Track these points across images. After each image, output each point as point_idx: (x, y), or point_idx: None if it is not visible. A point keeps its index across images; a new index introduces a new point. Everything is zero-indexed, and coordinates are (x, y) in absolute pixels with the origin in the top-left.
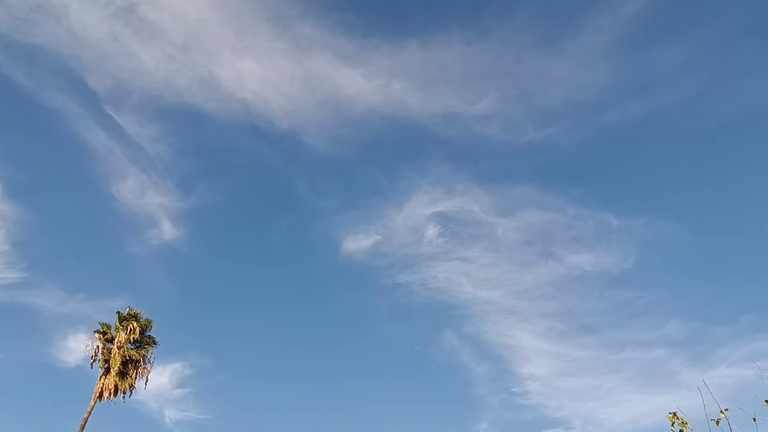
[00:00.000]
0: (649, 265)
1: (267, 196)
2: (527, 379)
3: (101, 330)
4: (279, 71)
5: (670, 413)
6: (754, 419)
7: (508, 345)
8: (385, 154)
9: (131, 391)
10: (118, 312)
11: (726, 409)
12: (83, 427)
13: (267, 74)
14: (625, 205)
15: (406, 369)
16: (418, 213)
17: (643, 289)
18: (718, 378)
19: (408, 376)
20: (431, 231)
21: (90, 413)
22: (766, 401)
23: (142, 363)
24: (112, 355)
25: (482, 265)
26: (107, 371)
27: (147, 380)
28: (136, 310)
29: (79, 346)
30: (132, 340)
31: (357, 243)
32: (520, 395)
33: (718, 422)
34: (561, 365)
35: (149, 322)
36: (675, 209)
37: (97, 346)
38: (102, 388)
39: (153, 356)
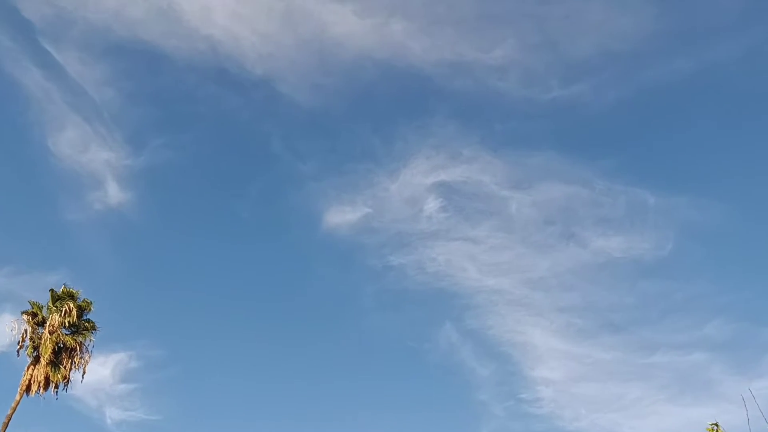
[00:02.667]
0: (690, 254)
1: (235, 156)
2: (539, 384)
3: (30, 311)
4: (253, 4)
5: (710, 424)
6: None
7: (518, 343)
8: (378, 110)
9: (65, 385)
10: (52, 290)
11: None
12: (6, 425)
13: (239, 7)
14: (664, 181)
15: (396, 368)
16: (417, 182)
17: (681, 282)
18: (766, 389)
19: (398, 377)
20: (431, 204)
21: (14, 410)
22: None
23: (78, 351)
24: (42, 341)
25: (491, 246)
26: (36, 360)
27: (84, 372)
28: (73, 288)
29: (3, 330)
30: (67, 324)
31: (342, 216)
32: (530, 403)
33: None
34: (580, 369)
35: (88, 303)
36: (724, 188)
37: (25, 330)
38: (30, 380)
39: (92, 344)
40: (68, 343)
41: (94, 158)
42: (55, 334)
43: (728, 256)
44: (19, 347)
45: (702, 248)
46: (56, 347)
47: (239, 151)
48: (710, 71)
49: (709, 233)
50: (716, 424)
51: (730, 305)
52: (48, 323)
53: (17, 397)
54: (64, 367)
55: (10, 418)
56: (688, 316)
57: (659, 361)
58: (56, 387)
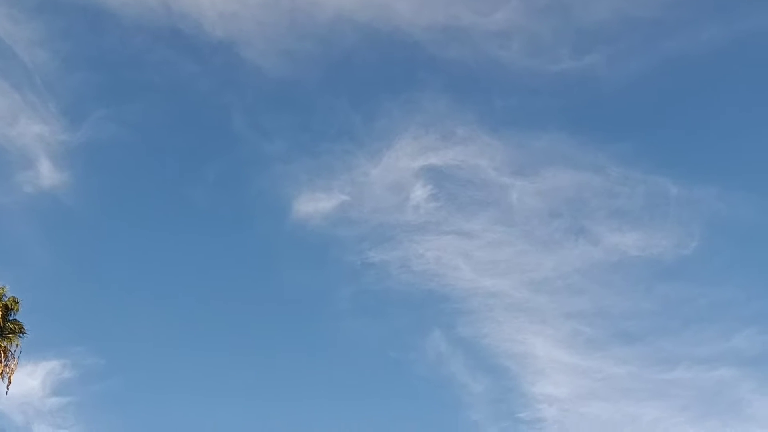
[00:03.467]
0: (718, 253)
1: (190, 133)
2: (541, 402)
3: None
4: None
5: None
6: None
7: (517, 354)
8: (358, 81)
9: None
10: None
11: None
12: None
13: None
14: (689, 168)
15: (376, 382)
16: (402, 166)
17: (706, 285)
18: None
19: (378, 392)
20: (419, 192)
21: None
22: None
23: (2, 358)
24: None
25: (487, 242)
26: None
27: (9, 382)
28: None
29: None
30: None
31: (314, 204)
32: (530, 424)
33: None
34: (588, 384)
35: (15, 301)
36: (759, 178)
37: None
38: None
39: (19, 350)
40: None
41: (23, 132)
42: None
43: (762, 257)
44: None
45: (731, 247)
46: None
47: (195, 126)
48: (745, 42)
49: (740, 230)
50: None
51: (763, 314)
52: None
53: None
54: None
55: None
56: (715, 325)
57: (680, 378)
58: None
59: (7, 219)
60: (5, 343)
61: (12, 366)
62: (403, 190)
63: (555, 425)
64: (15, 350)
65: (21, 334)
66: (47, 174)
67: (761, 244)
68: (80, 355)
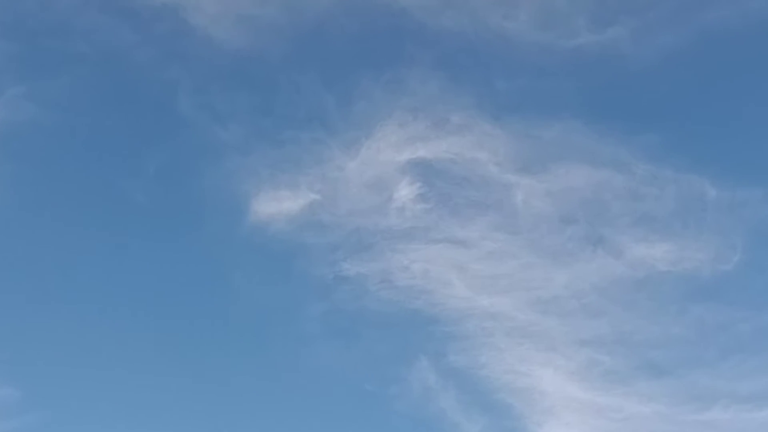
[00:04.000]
0: (765, 269)
1: (126, 115)
2: None
3: None
4: None
5: None
6: None
7: (521, 389)
8: (332, 56)
9: None
10: None
11: None
12: None
13: None
14: (731, 166)
15: (349, 420)
16: (385, 159)
17: (750, 308)
18: None
19: None
20: (405, 191)
21: None
22: None
23: None
24: None
25: (486, 253)
26: None
27: None
28: None
29: None
30: None
31: (277, 204)
32: None
33: None
34: (607, 426)
35: None
36: None
37: None
38: None
39: None
40: None
41: None
42: None
43: None
44: None
45: None
46: None
47: (133, 107)
48: None
49: None
50: None
51: None
52: None
53: None
54: None
55: None
56: (760, 356)
57: (718, 418)
58: None
59: None
60: None
61: None
62: (385, 189)
63: None
64: None
65: None
66: None
67: None
68: None
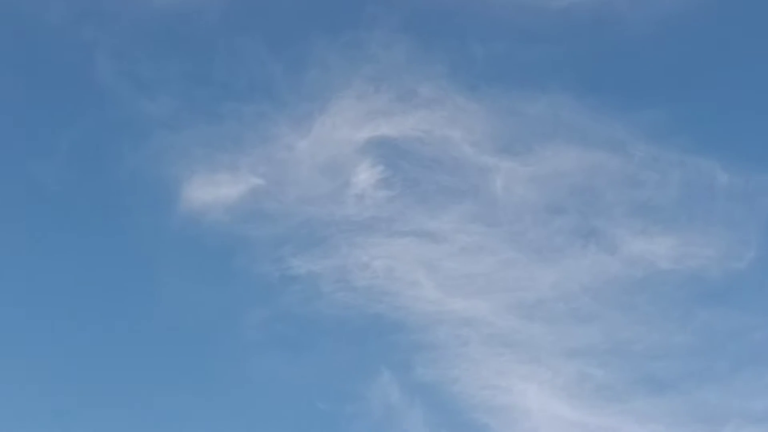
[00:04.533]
0: None
1: (35, 84)
2: None
3: None
4: None
5: None
6: None
7: (500, 406)
8: (280, 15)
9: None
10: None
11: None
12: None
13: None
14: (744, 147)
15: None
16: (341, 137)
17: (767, 313)
18: None
19: None
20: (365, 175)
21: None
22: None
23: None
24: None
25: (460, 248)
26: None
27: None
28: None
29: None
30: None
31: (214, 190)
32: None
33: None
34: None
35: None
36: None
37: None
38: None
39: None
40: None
41: None
42: None
43: None
44: None
45: None
46: None
47: (42, 76)
48: None
49: None
50: None
51: None
52: None
53: None
54: None
55: None
56: None
57: None
58: None
59: None
60: None
61: None
62: (341, 173)
63: None
64: None
65: None
66: None
67: None
68: None
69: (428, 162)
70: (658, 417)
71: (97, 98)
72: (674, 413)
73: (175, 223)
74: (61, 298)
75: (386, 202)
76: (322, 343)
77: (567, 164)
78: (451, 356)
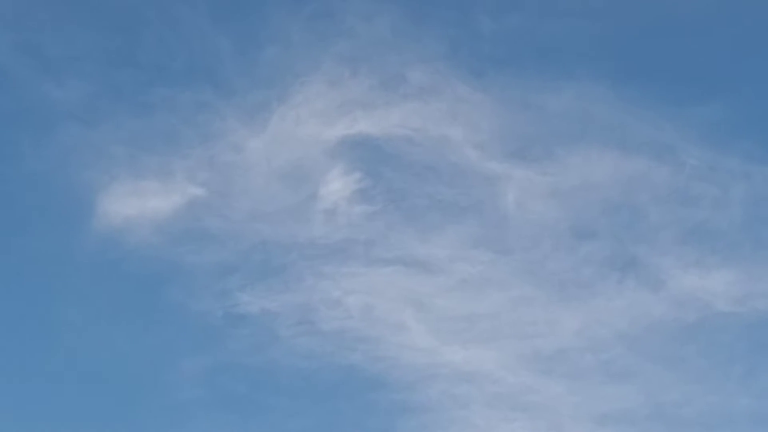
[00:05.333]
0: None
1: None
2: None
3: None
4: None
5: None
6: None
7: None
8: None
9: None
10: None
11: None
12: None
13: None
14: None
15: None
16: (306, 135)
17: None
18: None
19: None
20: (336, 185)
21: None
22: None
23: None
24: None
25: (460, 281)
26: None
27: None
28: None
29: None
30: None
31: (139, 202)
32: None
33: None
34: None
35: None
36: None
37: None
38: None
39: None
40: None
41: None
42: None
43: None
44: None
45: None
46: None
47: None
48: None
49: None
50: None
51: None
52: None
53: None
54: None
55: None
56: None
57: None
58: None
59: None
60: None
61: None
62: (306, 181)
63: None
64: None
65: None
66: None
67: None
68: None
69: (419, 169)
70: None
71: None
72: None
73: (88, 243)
74: None
75: (364, 220)
76: (279, 402)
77: (599, 174)
78: (445, 421)
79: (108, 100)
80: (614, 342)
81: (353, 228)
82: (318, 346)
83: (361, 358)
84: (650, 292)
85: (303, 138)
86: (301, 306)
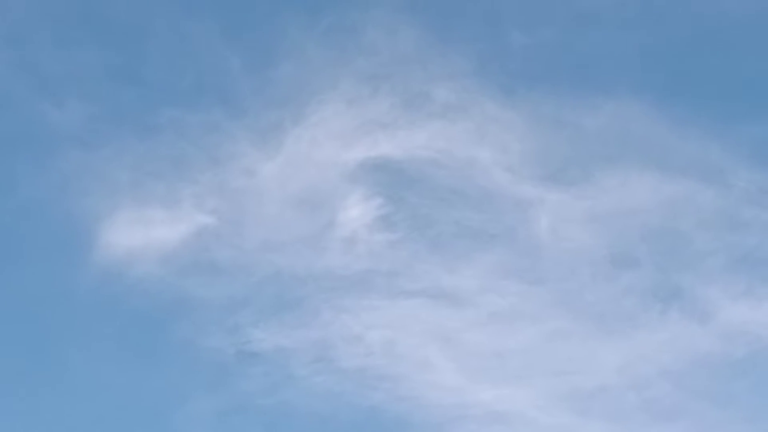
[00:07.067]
0: None
1: None
2: None
3: None
4: None
5: None
6: None
7: None
8: None
9: None
10: None
11: None
12: None
13: None
14: None
15: None
16: (323, 158)
17: None
18: None
19: None
20: (356, 212)
21: None
22: None
23: None
24: None
25: (490, 314)
26: None
27: None
28: None
29: None
30: None
31: (145, 231)
32: None
33: None
34: None
35: None
36: None
37: None
38: None
39: None
40: None
41: None
42: None
43: None
44: None
45: None
46: None
47: None
48: None
49: None
50: None
51: None
52: None
53: None
54: None
55: None
56: None
57: None
58: None
59: None
60: None
61: None
62: (323, 208)
63: None
64: None
65: None
66: None
67: None
68: None
69: (445, 193)
70: None
71: None
72: None
73: (90, 276)
74: None
75: (386, 249)
76: None
77: (639, 198)
78: None
79: (110, 121)
80: (658, 379)
81: (374, 258)
82: (337, 386)
83: (384, 397)
84: (696, 325)
85: (320, 161)
86: (318, 342)
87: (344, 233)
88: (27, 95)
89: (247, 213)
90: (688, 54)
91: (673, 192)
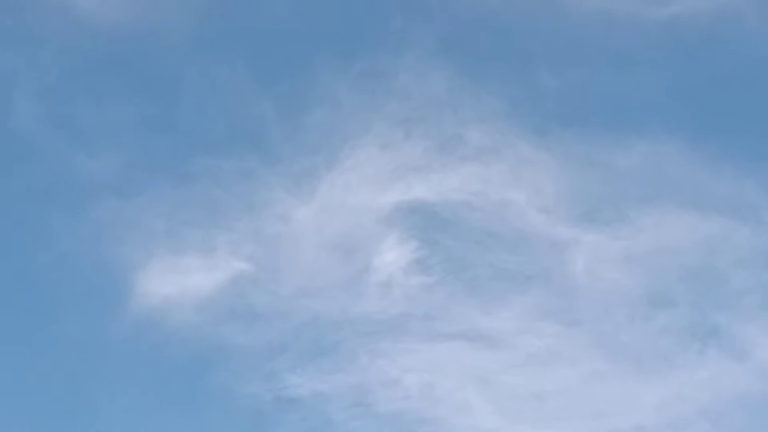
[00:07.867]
0: None
1: None
2: None
3: None
4: None
5: None
6: None
7: None
8: (271, 35)
9: None
10: None
11: None
12: None
13: None
14: None
15: None
16: (358, 203)
17: None
18: None
19: None
20: (391, 256)
21: None
22: None
23: None
24: None
25: (527, 356)
26: None
27: None
28: None
29: None
30: None
31: (180, 279)
32: None
33: None
34: None
35: None
36: None
37: None
38: None
39: None
40: None
41: None
42: None
43: None
44: None
45: None
46: None
47: None
48: None
49: None
50: None
51: None
52: None
53: None
54: None
55: None
56: None
57: None
58: None
59: None
60: None
61: None
62: (358, 252)
63: None
64: None
65: None
66: None
67: None
68: None
69: (480, 236)
70: None
71: (15, 150)
72: None
73: (125, 326)
74: None
75: (422, 292)
76: None
77: (675, 237)
78: None
79: (145, 170)
80: (697, 418)
81: (410, 301)
82: (375, 430)
83: None
84: (735, 363)
85: (354, 206)
86: (355, 387)
87: (380, 277)
88: (61, 146)
89: (283, 259)
90: (719, 91)
91: (709, 230)
